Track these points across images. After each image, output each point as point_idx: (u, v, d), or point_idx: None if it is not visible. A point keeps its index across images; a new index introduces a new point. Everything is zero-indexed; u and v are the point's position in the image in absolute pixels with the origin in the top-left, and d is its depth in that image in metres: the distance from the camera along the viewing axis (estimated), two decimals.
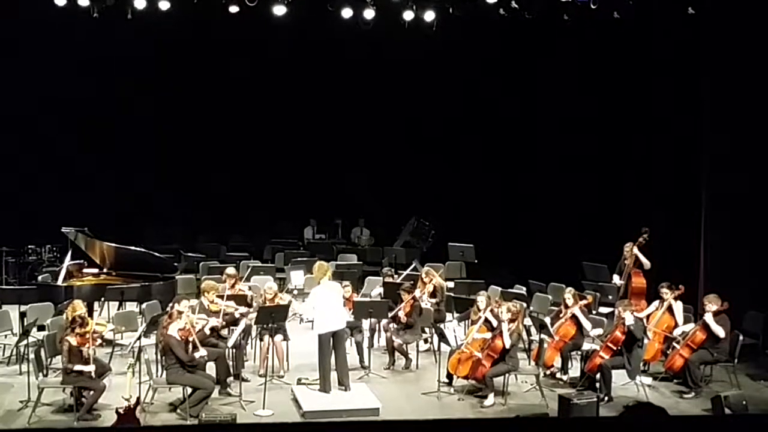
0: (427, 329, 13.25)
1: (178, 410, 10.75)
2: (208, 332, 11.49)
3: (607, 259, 14.30)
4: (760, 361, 12.88)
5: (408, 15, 14.73)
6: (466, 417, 11.01)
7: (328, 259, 16.71)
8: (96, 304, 13.65)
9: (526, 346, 12.73)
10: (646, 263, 13.42)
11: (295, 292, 15.22)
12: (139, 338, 11.18)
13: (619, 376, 11.61)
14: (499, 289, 14.20)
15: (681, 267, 13.69)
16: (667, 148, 15.61)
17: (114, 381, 11.09)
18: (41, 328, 12.15)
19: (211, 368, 11.31)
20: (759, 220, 13.74)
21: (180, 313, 10.84)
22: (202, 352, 10.79)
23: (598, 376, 11.54)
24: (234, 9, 14.56)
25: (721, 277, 13.52)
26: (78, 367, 10.47)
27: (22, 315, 12.65)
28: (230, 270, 13.43)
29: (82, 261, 14.55)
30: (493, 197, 18.29)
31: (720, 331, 11.66)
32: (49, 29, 16.20)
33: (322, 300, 11.52)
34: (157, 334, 11.35)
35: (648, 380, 12.08)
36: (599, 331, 12.15)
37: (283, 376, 12.04)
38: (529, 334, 12.71)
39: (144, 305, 13.17)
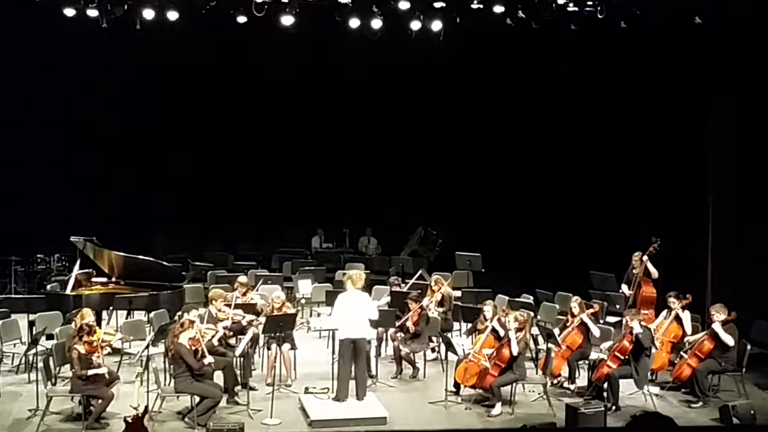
0: (434, 338, 13.25)
1: (186, 419, 10.78)
2: (216, 342, 11.51)
3: (615, 268, 14.30)
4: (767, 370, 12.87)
5: (415, 25, 14.77)
6: (473, 426, 11.04)
7: (336, 269, 16.81)
8: (104, 313, 13.69)
9: (534, 355, 12.73)
10: (654, 272, 13.42)
11: (303, 301, 15.25)
12: (147, 347, 11.22)
13: (626, 386, 11.59)
14: (507, 298, 14.20)
15: (688, 276, 13.67)
16: (674, 159, 15.61)
17: (122, 390, 11.11)
18: (50, 336, 12.18)
19: (218, 377, 11.33)
20: (766, 229, 13.72)
21: (192, 322, 10.87)
22: (209, 358, 10.82)
23: (605, 385, 11.53)
24: (242, 19, 14.62)
25: (728, 287, 13.50)
26: (92, 371, 10.51)
27: (31, 324, 12.68)
28: (242, 279, 13.46)
29: (90, 270, 14.59)
30: (500, 206, 18.28)
31: (729, 340, 11.64)
32: (58, 38, 16.31)
33: (345, 306, 11.51)
34: (166, 343, 11.38)
35: (656, 390, 12.06)
36: (609, 343, 12.11)
37: (290, 385, 12.06)
38: (536, 343, 12.70)
39: (152, 314, 13.20)
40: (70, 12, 14.17)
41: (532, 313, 13.39)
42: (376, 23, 14.73)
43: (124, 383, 11.28)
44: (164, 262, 15.00)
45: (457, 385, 11.86)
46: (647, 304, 13.20)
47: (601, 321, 13.25)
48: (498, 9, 14.36)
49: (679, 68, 15.10)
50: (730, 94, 14.07)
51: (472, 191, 18.56)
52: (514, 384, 11.50)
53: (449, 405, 11.56)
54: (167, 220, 18.58)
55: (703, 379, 11.72)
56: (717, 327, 11.67)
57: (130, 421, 9.85)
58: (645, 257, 13.44)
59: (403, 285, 14.55)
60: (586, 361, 12.28)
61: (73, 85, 17.46)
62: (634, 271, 13.58)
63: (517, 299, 14.25)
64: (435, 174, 18.66)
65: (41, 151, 17.73)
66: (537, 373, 12.15)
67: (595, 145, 16.93)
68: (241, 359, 11.86)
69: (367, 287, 15.22)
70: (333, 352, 12.26)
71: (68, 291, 13.73)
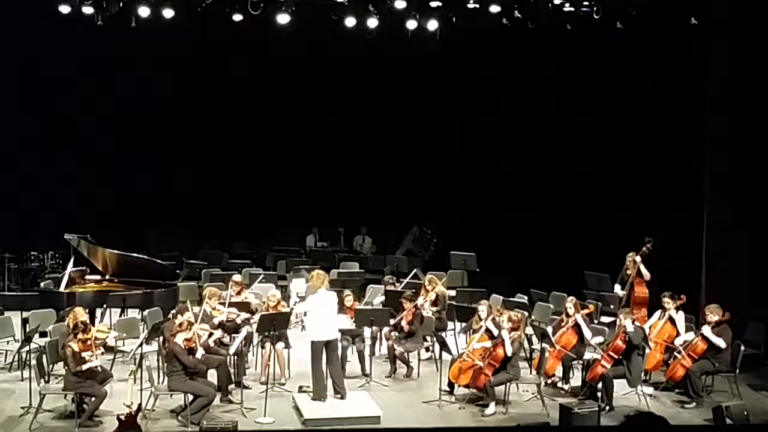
0: (428, 338, 13.25)
1: (180, 417, 10.76)
2: (211, 343, 11.50)
3: (609, 268, 14.30)
4: (761, 371, 12.87)
5: (411, 24, 14.77)
6: (467, 426, 11.03)
7: (330, 267, 16.78)
8: (98, 311, 13.66)
9: (528, 355, 12.73)
10: (647, 274, 13.42)
11: (297, 299, 15.22)
12: (140, 345, 11.19)
13: (620, 386, 11.60)
14: (501, 297, 14.18)
15: (683, 277, 13.68)
16: (669, 159, 15.62)
17: (115, 387, 11.10)
18: (43, 334, 12.15)
19: (212, 375, 11.32)
20: (761, 230, 13.74)
21: (190, 324, 10.87)
22: (200, 351, 10.79)
23: (599, 385, 11.53)
24: (238, 17, 14.61)
25: (722, 287, 13.50)
26: (86, 365, 10.48)
27: (25, 321, 12.66)
28: (237, 277, 13.45)
29: (84, 268, 14.56)
30: (495, 206, 18.27)
31: (720, 342, 11.66)
32: (53, 37, 16.28)
33: (317, 308, 11.51)
34: (160, 341, 11.35)
35: (649, 390, 12.07)
36: (600, 339, 12.15)
37: (284, 384, 12.04)
38: (530, 343, 12.71)
39: (146, 312, 13.19)
40: (65, 9, 14.15)
41: (526, 313, 13.40)
42: (372, 22, 14.74)
43: (117, 381, 11.27)
44: (158, 260, 14.99)
45: (451, 385, 11.86)
46: (640, 305, 13.22)
47: (596, 321, 13.27)
48: (494, 9, 14.38)
49: (676, 68, 15.09)
50: (726, 92, 14.07)
51: (467, 191, 18.55)
52: (507, 384, 11.49)
53: (443, 404, 11.56)
54: (162, 218, 18.55)
55: (696, 379, 11.73)
56: (706, 331, 11.70)
57: (123, 419, 9.83)
58: (638, 258, 13.44)
59: (397, 284, 14.56)
60: (580, 361, 12.29)
61: (70, 83, 17.42)
62: (627, 271, 13.59)
63: (511, 299, 14.25)
64: (430, 173, 18.65)
65: (36, 149, 17.69)
66: (531, 373, 12.15)
67: (591, 146, 16.92)
68: (235, 358, 11.84)
69: (362, 287, 15.33)
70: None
71: (62, 288, 13.71)
